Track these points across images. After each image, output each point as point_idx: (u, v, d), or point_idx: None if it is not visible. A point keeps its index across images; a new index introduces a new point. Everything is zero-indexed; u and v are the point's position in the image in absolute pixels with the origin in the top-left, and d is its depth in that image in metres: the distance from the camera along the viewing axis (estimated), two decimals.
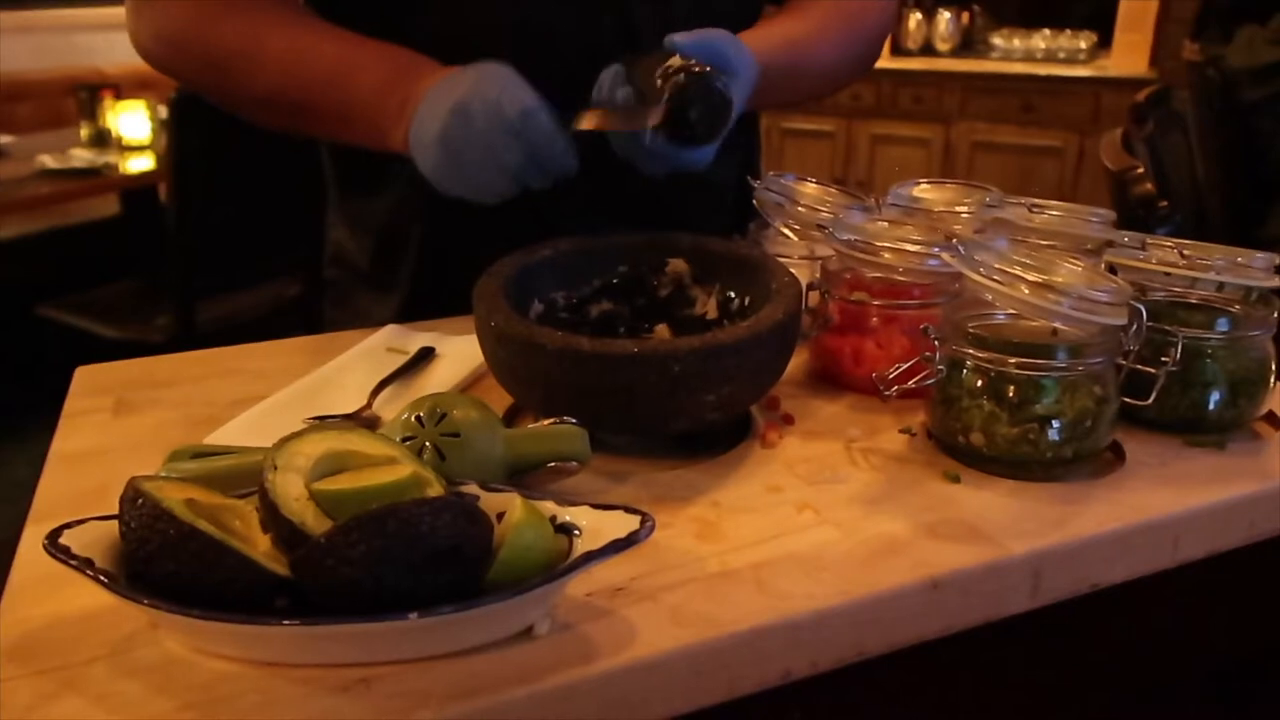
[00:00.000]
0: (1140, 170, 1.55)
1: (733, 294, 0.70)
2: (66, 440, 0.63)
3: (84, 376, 0.73)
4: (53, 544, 0.42)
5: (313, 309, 2.54)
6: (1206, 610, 0.64)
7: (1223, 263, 0.64)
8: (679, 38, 0.69)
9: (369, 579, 0.40)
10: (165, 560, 0.41)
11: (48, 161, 2.41)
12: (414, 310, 0.87)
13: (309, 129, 0.81)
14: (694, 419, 0.59)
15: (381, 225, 0.90)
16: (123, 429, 0.65)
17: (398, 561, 0.40)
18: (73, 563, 0.41)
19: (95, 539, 0.44)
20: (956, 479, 0.58)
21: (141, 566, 0.42)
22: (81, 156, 2.48)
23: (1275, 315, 0.64)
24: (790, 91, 0.89)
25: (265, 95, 0.77)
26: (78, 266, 2.63)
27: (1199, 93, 2.08)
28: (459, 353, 0.74)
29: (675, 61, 0.68)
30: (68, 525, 0.44)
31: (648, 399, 0.57)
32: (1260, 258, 0.65)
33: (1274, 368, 0.65)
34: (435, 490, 0.46)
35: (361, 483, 0.45)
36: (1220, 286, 0.65)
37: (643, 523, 0.45)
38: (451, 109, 0.67)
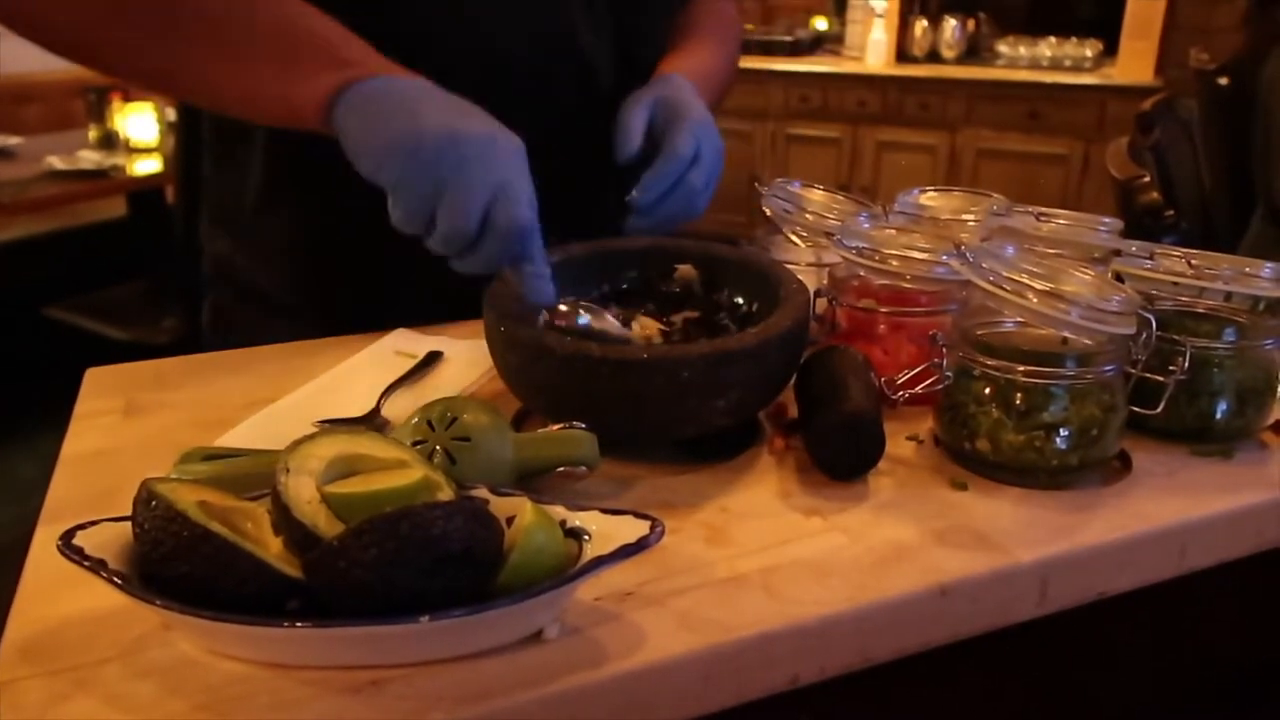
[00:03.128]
0: (1146, 179, 1.55)
1: (741, 300, 0.70)
2: (77, 441, 0.64)
3: (94, 378, 0.73)
4: (66, 545, 0.43)
5: None
6: (1214, 619, 0.64)
7: (1230, 272, 0.65)
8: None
9: (381, 581, 0.40)
10: (179, 562, 0.42)
11: (55, 163, 2.42)
12: (316, 335, 0.79)
13: (167, 53, 0.65)
14: (702, 425, 0.59)
15: (284, 238, 0.83)
16: (133, 431, 0.65)
17: (409, 564, 0.41)
18: (86, 564, 0.42)
19: (108, 540, 0.44)
20: (964, 486, 0.59)
21: (155, 568, 0.42)
22: (89, 158, 2.49)
23: None
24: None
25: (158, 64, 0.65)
26: (84, 268, 2.64)
27: (1207, 100, 2.08)
28: (468, 357, 0.74)
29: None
30: (81, 526, 0.44)
31: (657, 405, 0.57)
32: (1268, 268, 0.65)
33: None
34: (446, 494, 0.46)
35: (373, 486, 0.45)
36: (1228, 296, 0.65)
37: (652, 528, 0.45)
38: (446, 132, 0.59)
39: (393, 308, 0.82)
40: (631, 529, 0.45)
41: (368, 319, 0.81)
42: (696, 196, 0.76)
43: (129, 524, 0.44)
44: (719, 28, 0.98)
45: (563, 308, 0.62)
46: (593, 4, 0.85)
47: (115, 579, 0.41)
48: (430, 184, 0.58)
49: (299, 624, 0.41)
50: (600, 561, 0.43)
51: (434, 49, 0.71)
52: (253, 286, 0.87)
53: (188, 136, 2.15)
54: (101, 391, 0.71)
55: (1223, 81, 2.01)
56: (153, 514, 0.42)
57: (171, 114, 2.49)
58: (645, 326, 0.70)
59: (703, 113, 0.77)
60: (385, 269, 0.80)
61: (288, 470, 0.45)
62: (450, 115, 0.61)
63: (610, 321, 0.63)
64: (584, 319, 0.62)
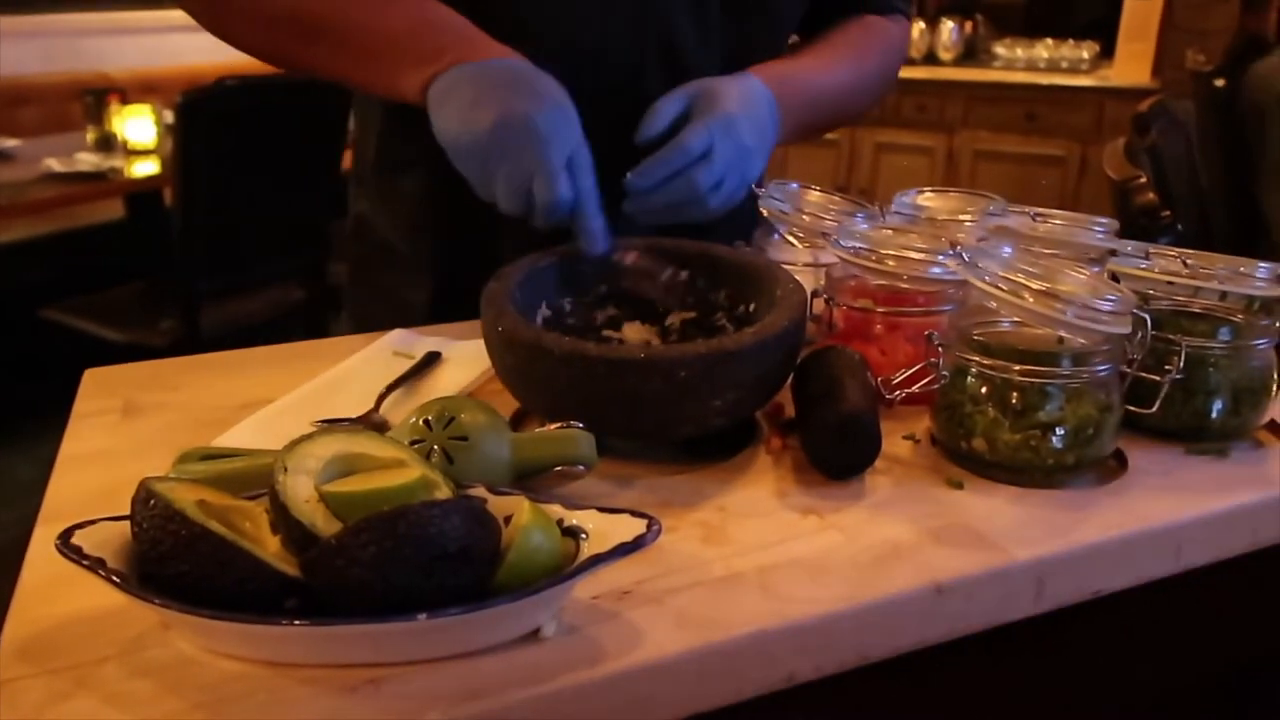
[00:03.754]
0: (1143, 180, 1.56)
1: (738, 300, 0.71)
2: (76, 442, 0.64)
3: (93, 379, 0.73)
4: (65, 544, 0.43)
5: (317, 314, 2.55)
6: (1209, 618, 0.64)
7: (1225, 272, 0.65)
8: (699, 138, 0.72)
9: (379, 580, 0.40)
10: (177, 561, 0.42)
11: (53, 165, 2.42)
12: (448, 298, 0.85)
13: (316, 56, 0.77)
14: (699, 424, 0.59)
15: (413, 201, 0.89)
16: (131, 431, 0.65)
17: (407, 563, 0.41)
18: (85, 563, 0.42)
19: (106, 539, 0.44)
20: (960, 485, 0.59)
21: (154, 567, 0.42)
22: (87, 160, 2.49)
23: (1277, 325, 0.64)
24: (814, 125, 0.92)
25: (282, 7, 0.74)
26: (82, 270, 2.64)
27: (1203, 102, 2.08)
28: (466, 357, 0.74)
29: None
30: (79, 525, 0.44)
31: (654, 404, 0.57)
32: (1263, 268, 0.65)
33: (1276, 377, 0.65)
34: (444, 493, 0.46)
35: (371, 485, 0.45)
36: (1223, 296, 0.65)
37: (649, 527, 0.45)
38: (542, 109, 0.65)
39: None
40: (628, 528, 0.45)
41: (479, 282, 0.81)
42: (702, 194, 0.73)
43: (127, 523, 0.44)
44: (855, 42, 0.95)
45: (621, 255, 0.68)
46: (704, 13, 0.83)
47: (114, 578, 0.41)
48: (482, 176, 0.67)
49: (296, 622, 0.41)
50: (597, 560, 0.43)
51: (527, 50, 0.72)
52: (383, 243, 0.92)
53: (187, 138, 2.15)
54: (100, 392, 0.71)
55: (1219, 83, 2.01)
56: (151, 513, 0.42)
57: (169, 116, 2.49)
58: (637, 332, 0.70)
59: (734, 111, 0.74)
60: (497, 231, 0.82)
61: (286, 469, 0.45)
62: (493, 104, 0.66)
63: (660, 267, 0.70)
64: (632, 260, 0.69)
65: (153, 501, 0.43)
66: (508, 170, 0.66)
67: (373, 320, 0.86)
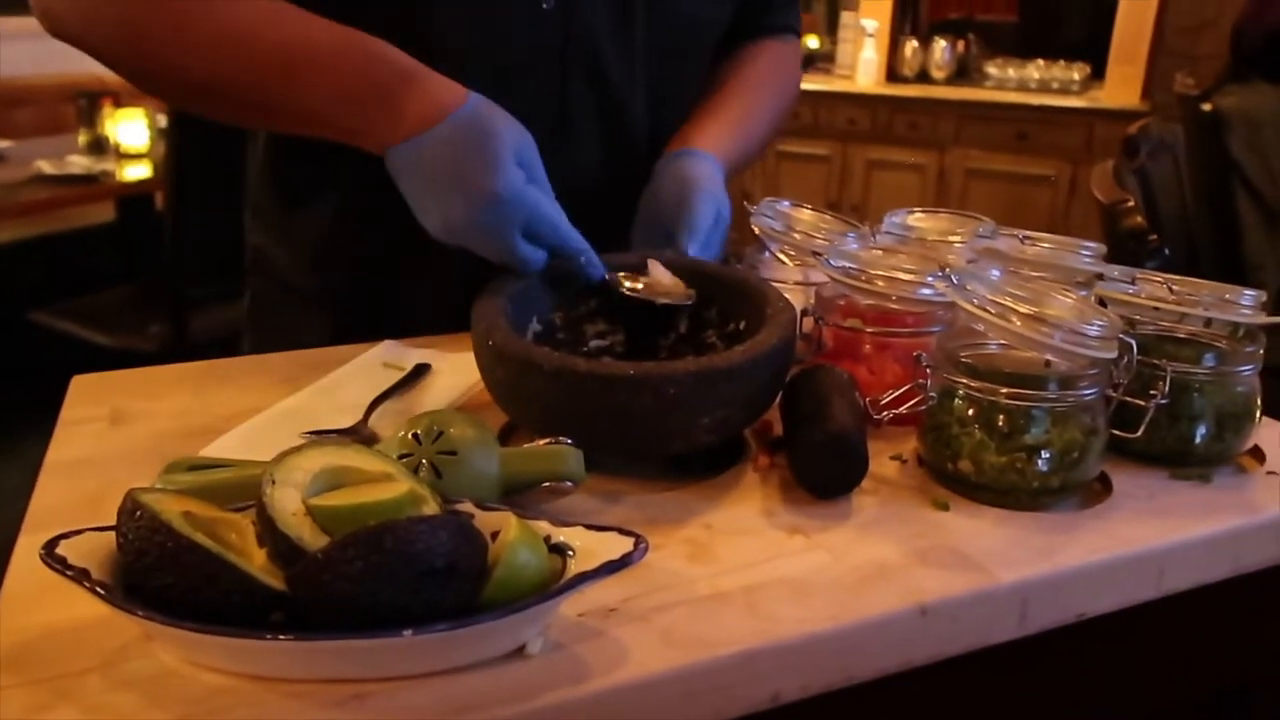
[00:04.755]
0: (1131, 203, 1.57)
1: (728, 318, 0.71)
2: (62, 449, 0.64)
3: (80, 385, 0.73)
4: (49, 554, 0.42)
5: None
6: (1191, 642, 0.65)
7: (1210, 299, 0.66)
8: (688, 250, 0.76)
9: (365, 595, 0.40)
10: (163, 573, 0.42)
11: (45, 167, 2.42)
12: (347, 340, 0.81)
13: (256, 118, 0.77)
14: (688, 441, 0.60)
15: (316, 234, 0.86)
16: (119, 439, 0.65)
17: (393, 578, 0.41)
18: (69, 573, 0.42)
19: (91, 549, 0.44)
20: (946, 507, 0.59)
21: (139, 578, 0.42)
22: (79, 163, 2.48)
23: (1261, 351, 0.65)
24: (742, 168, 0.96)
25: (204, 79, 0.69)
26: (72, 273, 2.63)
27: (1191, 127, 2.10)
28: (455, 370, 0.75)
29: None
30: (64, 535, 0.44)
31: (643, 421, 0.57)
32: (1248, 295, 0.66)
33: (1259, 403, 0.65)
34: (431, 507, 0.46)
35: (358, 499, 0.45)
36: (1208, 322, 0.66)
37: (636, 544, 0.45)
38: (478, 207, 0.65)
39: (408, 312, 0.86)
40: (616, 545, 0.45)
41: (382, 321, 0.83)
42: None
43: (113, 534, 0.44)
44: (768, 76, 0.97)
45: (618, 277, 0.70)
46: (629, 37, 0.84)
47: (98, 589, 0.41)
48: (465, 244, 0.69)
49: (281, 636, 0.41)
50: (584, 578, 0.43)
51: (447, 68, 0.72)
52: (282, 279, 0.91)
53: (180, 142, 2.15)
54: (87, 399, 0.71)
55: (1206, 107, 2.03)
56: (137, 524, 0.42)
57: (163, 120, 2.48)
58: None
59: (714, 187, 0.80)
60: (401, 272, 0.84)
61: (273, 482, 0.45)
62: (440, 204, 0.67)
63: (661, 277, 0.71)
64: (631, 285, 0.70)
65: (139, 513, 0.42)
66: (483, 254, 0.69)
67: None
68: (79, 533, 0.45)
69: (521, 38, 0.80)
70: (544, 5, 0.79)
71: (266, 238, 0.91)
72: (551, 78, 0.82)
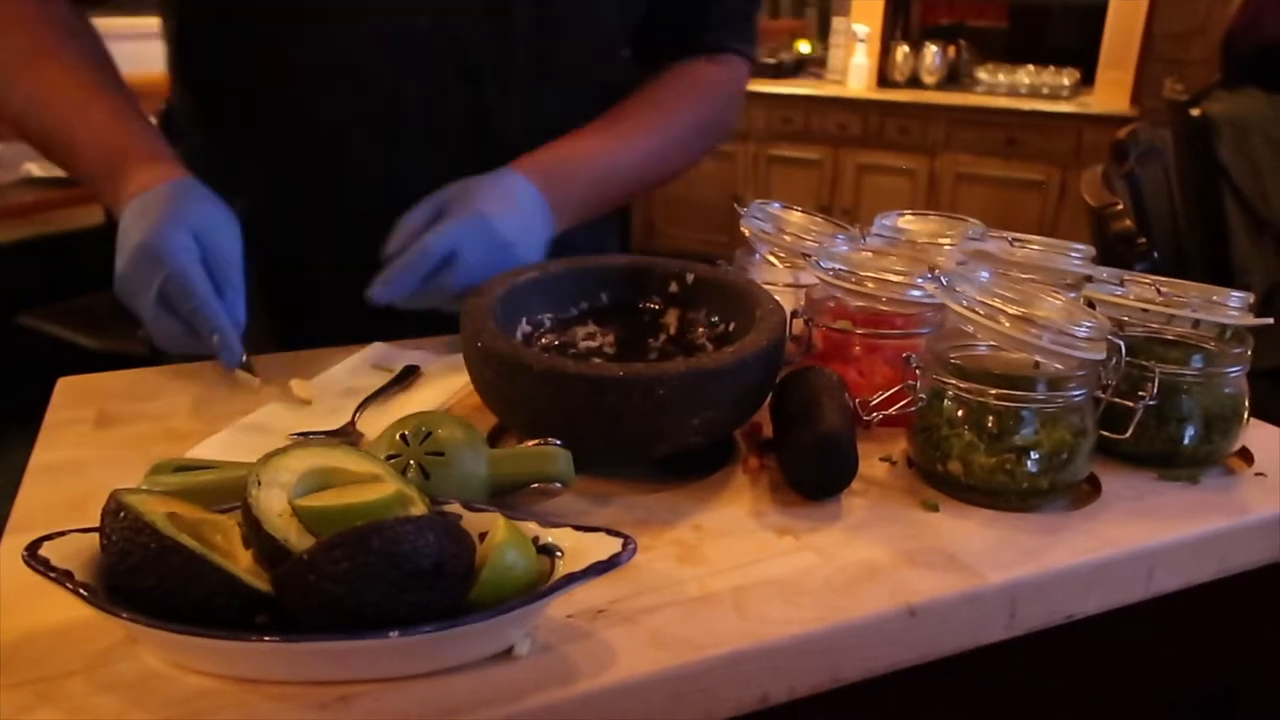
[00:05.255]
0: (1120, 207, 1.58)
1: (718, 319, 0.71)
2: (47, 451, 0.63)
3: (66, 387, 0.73)
4: (32, 556, 0.42)
5: None
6: (1179, 643, 0.65)
7: (1198, 300, 0.66)
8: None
9: (351, 596, 0.40)
10: (146, 574, 0.41)
11: (33, 170, 2.41)
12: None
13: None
14: (678, 442, 0.59)
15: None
16: (104, 441, 0.65)
17: (380, 579, 0.41)
18: (52, 575, 0.41)
19: (75, 551, 0.43)
20: (935, 508, 0.59)
21: (122, 580, 0.42)
22: None
23: (1249, 353, 0.65)
24: (604, 201, 0.89)
25: (12, 119, 0.78)
26: (60, 276, 2.61)
27: (1179, 132, 2.11)
28: (444, 371, 0.74)
29: None
30: (48, 537, 0.44)
31: (632, 422, 0.57)
32: (1235, 296, 0.66)
33: (1247, 405, 0.66)
34: (419, 509, 0.46)
35: (345, 500, 0.45)
36: (1196, 324, 0.66)
37: (625, 545, 0.45)
38: (125, 260, 0.67)
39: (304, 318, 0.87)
40: (604, 546, 0.45)
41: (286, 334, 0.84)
42: (455, 295, 0.72)
43: (97, 535, 0.44)
44: (664, 102, 0.92)
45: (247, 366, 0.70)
46: (507, 66, 0.82)
47: (81, 591, 0.41)
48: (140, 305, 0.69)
49: (267, 638, 0.40)
50: (572, 579, 0.43)
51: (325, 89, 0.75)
52: None
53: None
54: (73, 401, 0.70)
55: (1195, 113, 2.04)
56: (120, 525, 0.42)
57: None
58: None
59: (487, 209, 0.74)
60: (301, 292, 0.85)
61: (259, 483, 0.45)
62: (119, 249, 0.69)
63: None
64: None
65: (122, 513, 0.42)
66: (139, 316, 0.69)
67: None
68: (62, 534, 0.44)
69: (394, 56, 0.79)
70: (417, 22, 0.78)
71: None
72: (424, 96, 0.81)
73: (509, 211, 0.75)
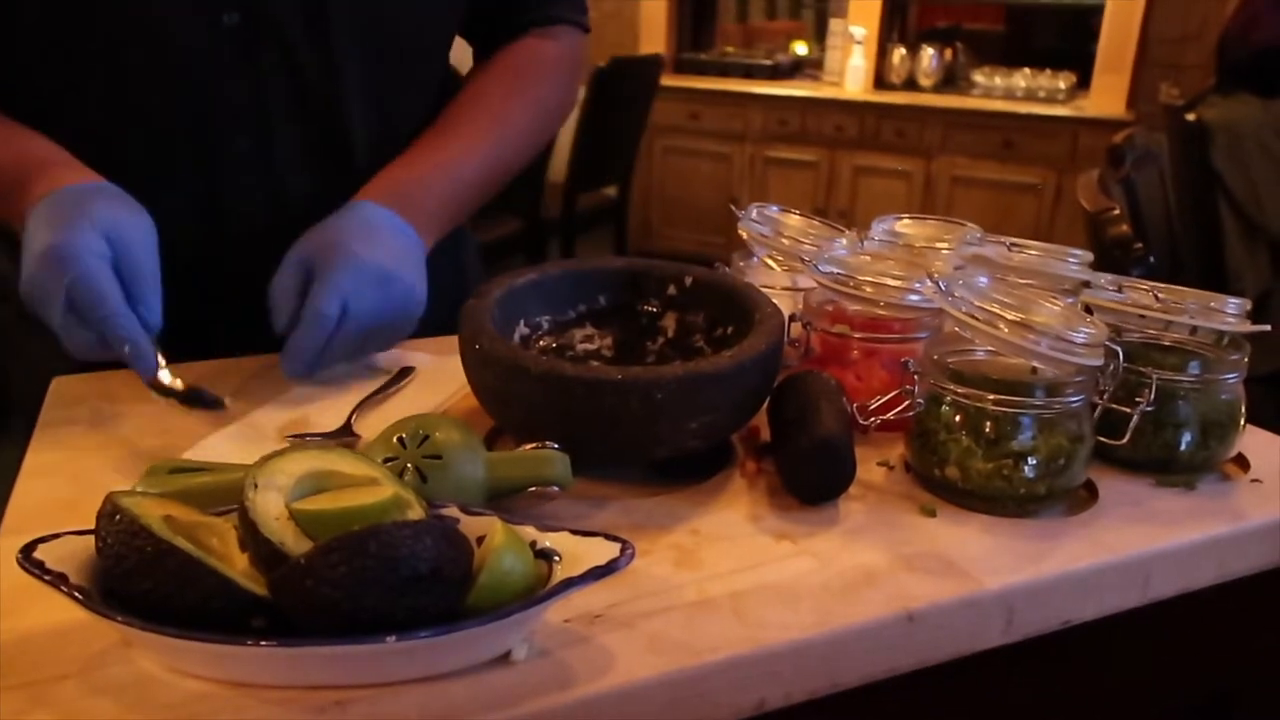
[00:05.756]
0: (1116, 212, 1.58)
1: (716, 323, 0.71)
2: (41, 452, 0.63)
3: (60, 387, 0.72)
4: (26, 558, 0.42)
5: None
6: (1176, 650, 0.65)
7: (1196, 307, 0.66)
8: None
9: (348, 600, 0.40)
10: (142, 578, 0.41)
11: None
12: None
13: None
14: (675, 446, 0.59)
15: None
16: (99, 442, 0.64)
17: (377, 583, 0.40)
18: (47, 578, 0.41)
19: (70, 554, 0.43)
20: (933, 513, 0.59)
21: (118, 583, 0.42)
22: None
23: (1246, 360, 0.65)
24: (470, 203, 0.86)
25: None
26: None
27: (1175, 137, 2.12)
28: (441, 373, 0.74)
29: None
30: (42, 539, 0.43)
31: (630, 426, 0.57)
32: (1232, 303, 0.66)
33: (1244, 411, 0.66)
34: (416, 512, 0.46)
35: (343, 503, 0.45)
36: (1193, 330, 0.66)
37: (623, 550, 0.45)
38: (33, 263, 0.64)
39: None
40: (602, 551, 0.45)
41: None
42: (358, 346, 0.72)
43: (92, 538, 0.43)
44: (497, 91, 0.88)
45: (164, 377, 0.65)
46: (329, 59, 0.79)
47: (76, 594, 0.40)
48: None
49: (263, 643, 0.40)
50: (570, 583, 0.43)
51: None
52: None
53: None
54: (68, 400, 0.70)
55: (1190, 118, 2.05)
56: (116, 528, 0.42)
57: None
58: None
59: (355, 252, 0.70)
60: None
61: (255, 486, 0.44)
62: (26, 251, 0.65)
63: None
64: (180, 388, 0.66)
65: (118, 516, 0.42)
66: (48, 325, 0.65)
67: (27, 399, 0.74)
68: (57, 536, 0.44)
69: (204, 53, 0.76)
70: (224, 19, 0.75)
71: (8, 260, 0.85)
72: (246, 90, 0.78)
73: (379, 245, 0.72)
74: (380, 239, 0.73)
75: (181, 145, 0.78)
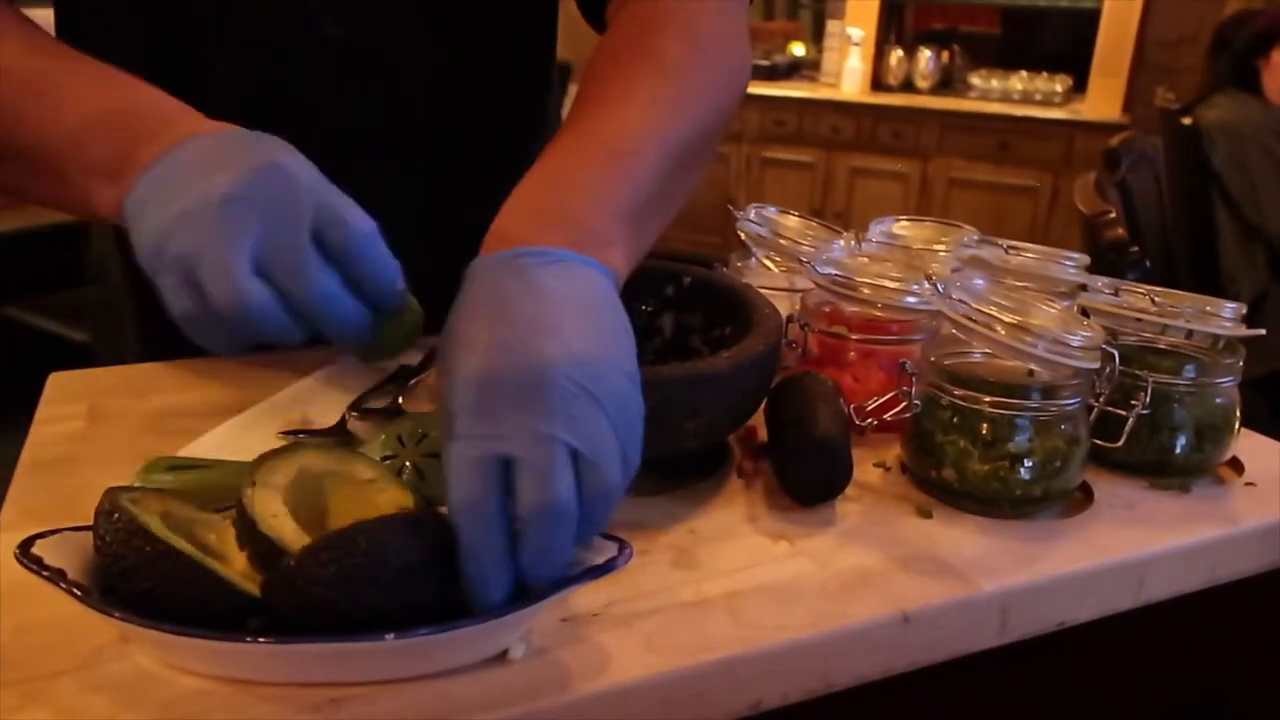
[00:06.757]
0: (1112, 215, 1.59)
1: (713, 323, 0.71)
2: (38, 447, 0.63)
3: (57, 383, 0.72)
4: (24, 554, 0.42)
5: None
6: (1170, 651, 0.65)
7: (1192, 310, 0.66)
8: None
9: (343, 599, 0.40)
10: (140, 578, 0.41)
11: None
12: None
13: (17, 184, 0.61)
14: (672, 447, 0.59)
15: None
16: (96, 437, 0.64)
17: (370, 581, 0.40)
18: (44, 574, 0.41)
19: (68, 550, 0.43)
20: (929, 514, 0.59)
21: (115, 582, 0.42)
22: None
23: (1241, 364, 0.65)
24: (666, 185, 0.59)
25: None
26: (47, 269, 2.60)
27: (1170, 140, 2.13)
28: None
29: None
30: (40, 535, 0.43)
31: None
32: (1229, 307, 0.66)
33: (1239, 415, 0.66)
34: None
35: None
36: (1189, 334, 0.67)
37: (621, 549, 0.45)
38: (246, 178, 0.50)
39: None
40: (600, 550, 0.45)
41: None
42: (569, 514, 0.42)
43: (89, 533, 0.43)
44: (660, 40, 0.63)
45: None
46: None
47: (74, 590, 0.40)
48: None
49: (261, 640, 0.40)
50: (568, 582, 0.43)
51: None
52: (123, 289, 0.82)
53: None
54: (65, 396, 0.70)
55: (1186, 121, 2.06)
56: (114, 527, 0.42)
57: None
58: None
59: (609, 389, 0.44)
60: None
61: (253, 484, 0.44)
62: (184, 190, 0.51)
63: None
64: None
65: (116, 515, 0.42)
66: (173, 253, 0.50)
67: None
68: (55, 532, 0.44)
69: (302, 64, 0.70)
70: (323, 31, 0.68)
71: (108, 244, 0.83)
72: (337, 101, 0.73)
73: (559, 316, 0.45)
74: (573, 312, 0.46)
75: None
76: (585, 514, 0.42)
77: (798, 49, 4.44)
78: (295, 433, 0.64)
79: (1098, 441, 0.62)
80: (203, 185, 0.50)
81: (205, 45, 0.70)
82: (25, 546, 0.42)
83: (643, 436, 0.46)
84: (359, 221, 0.53)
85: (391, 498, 0.47)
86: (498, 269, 0.47)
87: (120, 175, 0.54)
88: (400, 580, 0.41)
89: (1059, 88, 3.79)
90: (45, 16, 0.70)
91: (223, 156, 0.51)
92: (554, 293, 0.45)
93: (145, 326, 0.78)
